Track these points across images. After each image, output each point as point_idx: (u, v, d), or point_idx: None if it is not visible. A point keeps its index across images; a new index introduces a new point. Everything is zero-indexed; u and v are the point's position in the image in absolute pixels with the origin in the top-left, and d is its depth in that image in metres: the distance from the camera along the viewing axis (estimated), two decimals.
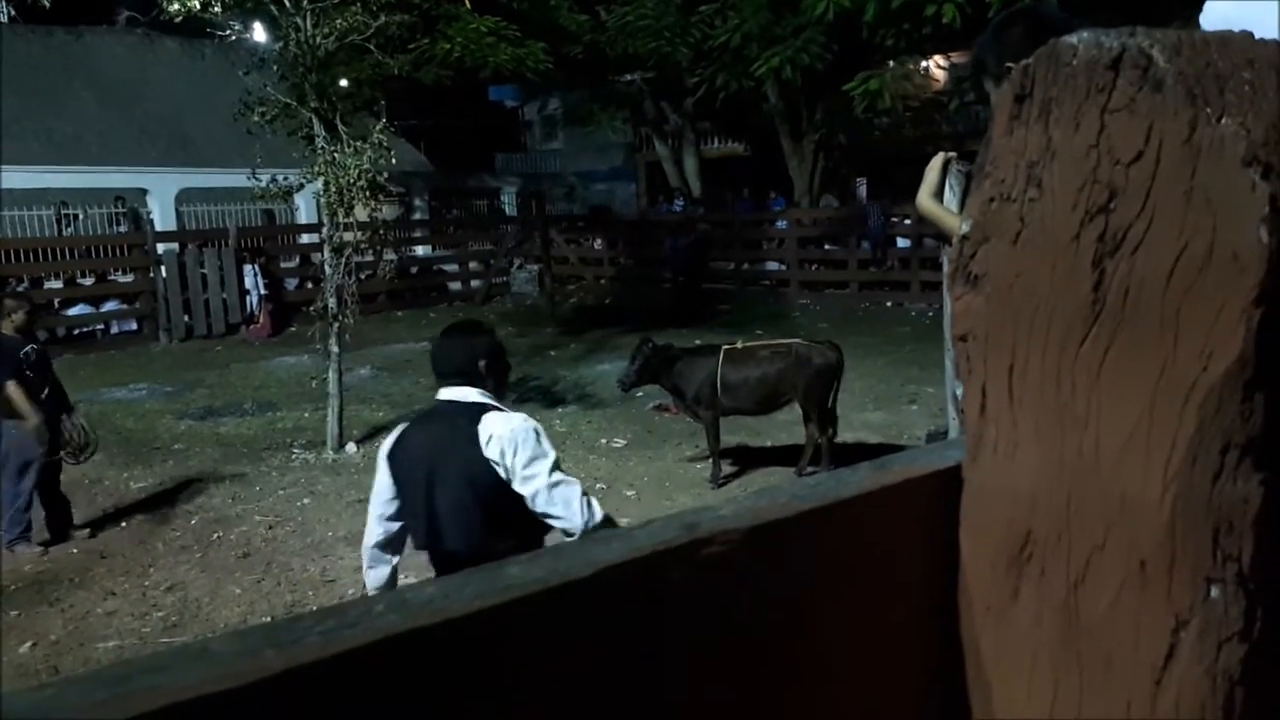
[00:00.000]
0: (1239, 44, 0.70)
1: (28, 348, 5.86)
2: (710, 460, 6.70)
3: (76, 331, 13.75)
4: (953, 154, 2.43)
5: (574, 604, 0.57)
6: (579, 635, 0.57)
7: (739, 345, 6.79)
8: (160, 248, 14.05)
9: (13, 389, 5.64)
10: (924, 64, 16.92)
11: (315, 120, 7.88)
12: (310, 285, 14.75)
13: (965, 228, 0.74)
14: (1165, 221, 0.65)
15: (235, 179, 13.60)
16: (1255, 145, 0.63)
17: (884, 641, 0.74)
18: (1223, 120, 0.64)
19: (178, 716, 0.43)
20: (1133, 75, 0.66)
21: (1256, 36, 0.75)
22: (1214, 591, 0.66)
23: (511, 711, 0.54)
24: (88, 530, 6.09)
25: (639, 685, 0.60)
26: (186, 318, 13.98)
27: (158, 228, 15.42)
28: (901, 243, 15.89)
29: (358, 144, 7.64)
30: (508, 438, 2.61)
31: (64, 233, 16.41)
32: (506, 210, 22.49)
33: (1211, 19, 1.95)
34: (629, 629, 0.60)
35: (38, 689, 0.43)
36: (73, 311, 13.80)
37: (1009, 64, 0.78)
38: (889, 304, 15.49)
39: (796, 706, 0.69)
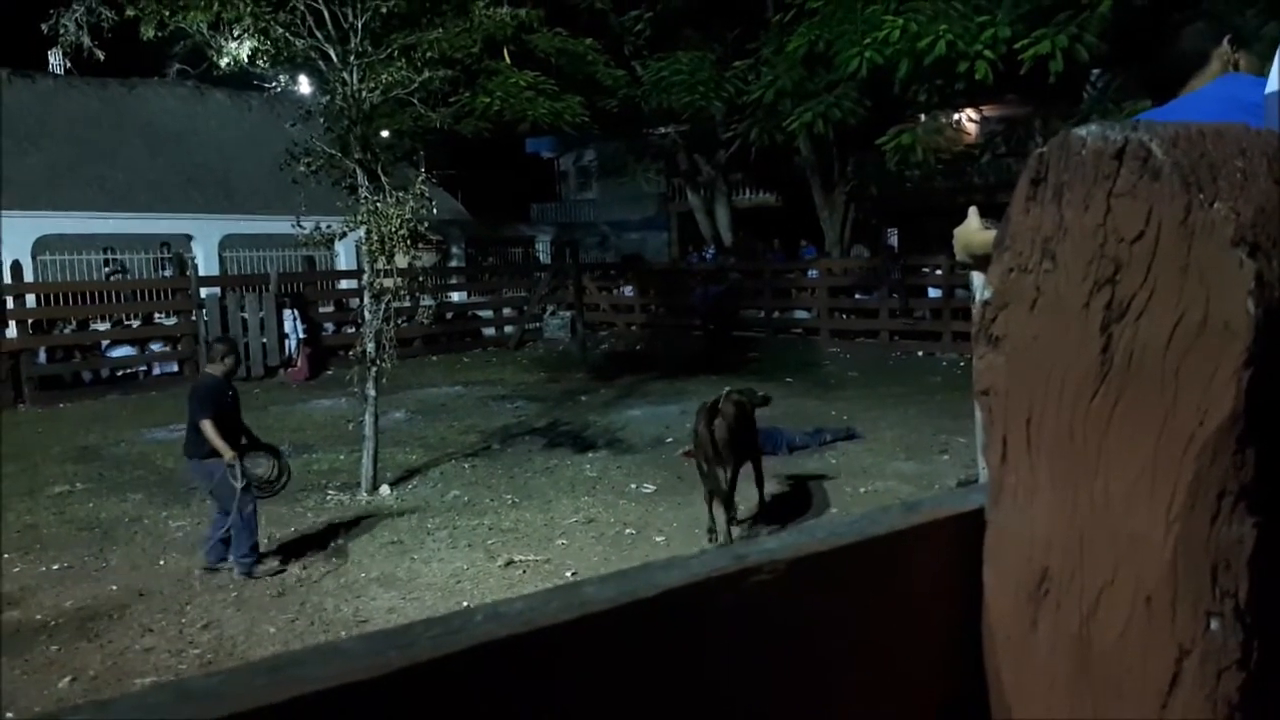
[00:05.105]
0: (1233, 134, 0.79)
1: (230, 389, 6.29)
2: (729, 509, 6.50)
3: (120, 373, 14.08)
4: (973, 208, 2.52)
5: (640, 619, 0.65)
6: (644, 645, 0.66)
7: (722, 395, 6.45)
8: (203, 292, 14.41)
9: (208, 427, 5.96)
10: (956, 117, 17.07)
11: (359, 170, 8.12)
12: (348, 330, 15.03)
13: (987, 294, 0.83)
14: (1164, 293, 0.74)
15: (277, 226, 13.97)
16: (1244, 227, 0.72)
17: (912, 665, 0.82)
18: (1215, 205, 0.73)
19: (323, 701, 0.52)
20: (1134, 165, 0.75)
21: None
22: (1214, 624, 0.73)
23: (586, 708, 0.63)
24: (277, 560, 6.25)
25: (694, 691, 0.68)
26: None
27: (201, 273, 15.82)
28: (933, 292, 15.94)
29: (400, 194, 7.85)
30: None
31: (110, 279, 16.87)
32: (541, 258, 22.85)
33: None
34: (687, 642, 0.68)
35: (209, 675, 0.52)
36: (117, 353, 14.13)
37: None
38: (920, 353, 15.48)
39: (833, 719, 0.77)
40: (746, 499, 6.77)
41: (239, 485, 5.99)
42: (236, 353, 6.58)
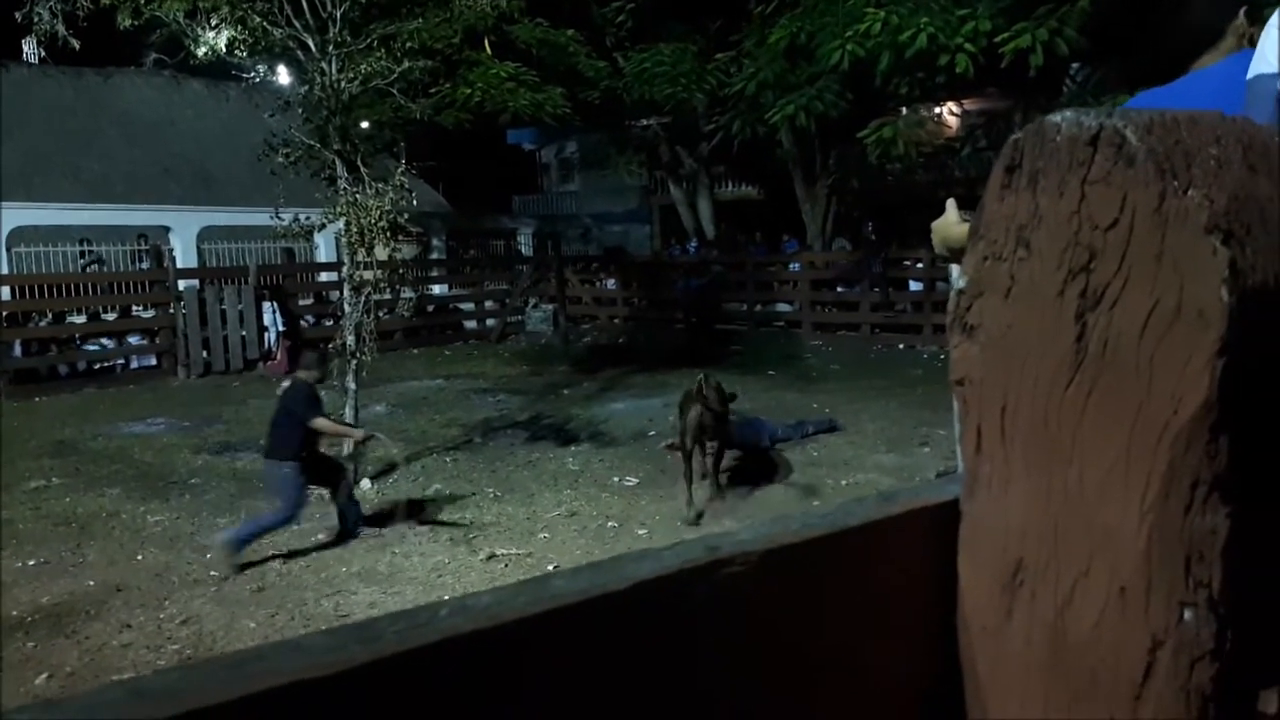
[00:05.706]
0: (1208, 122, 0.78)
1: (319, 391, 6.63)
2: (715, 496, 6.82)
3: (97, 366, 13.93)
4: (951, 200, 2.52)
5: (611, 613, 0.64)
6: (615, 639, 0.65)
7: (702, 381, 6.77)
8: (181, 284, 14.28)
9: (323, 423, 6.40)
10: (937, 110, 17.13)
11: (338, 162, 8.05)
12: (327, 322, 14.94)
13: (962, 283, 0.82)
14: (1139, 281, 0.73)
15: (256, 218, 13.85)
16: (1217, 214, 0.71)
17: (889, 657, 0.81)
18: (1189, 192, 0.72)
19: (282, 697, 0.50)
20: (1109, 151, 0.74)
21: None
22: (1187, 614, 0.73)
23: (555, 703, 0.62)
24: (378, 529, 6.56)
25: (667, 684, 0.67)
26: (205, 353, 14.15)
27: (179, 265, 15.66)
28: (914, 285, 16.02)
29: (379, 185, 7.79)
30: None
31: (86, 271, 16.68)
32: (522, 250, 22.76)
33: None
34: (659, 635, 0.67)
35: (168, 671, 0.50)
36: (94, 346, 13.98)
37: None
38: (901, 346, 15.55)
39: (807, 710, 0.76)
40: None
41: (347, 478, 6.59)
42: (326, 363, 7.02)
